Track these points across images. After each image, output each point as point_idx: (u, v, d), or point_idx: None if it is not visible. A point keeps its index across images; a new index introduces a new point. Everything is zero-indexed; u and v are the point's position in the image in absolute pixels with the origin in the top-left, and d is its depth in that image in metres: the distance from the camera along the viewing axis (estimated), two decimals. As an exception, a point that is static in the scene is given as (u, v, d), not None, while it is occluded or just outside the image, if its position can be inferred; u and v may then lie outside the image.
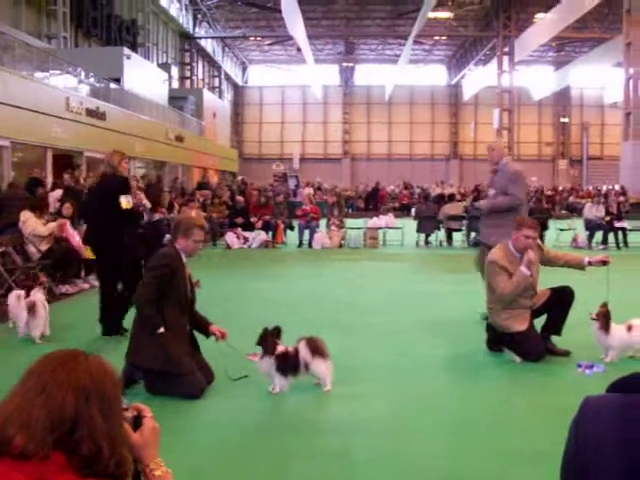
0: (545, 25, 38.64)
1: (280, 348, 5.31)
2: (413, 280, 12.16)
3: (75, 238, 9.79)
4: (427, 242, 18.14)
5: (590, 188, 39.18)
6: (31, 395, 1.48)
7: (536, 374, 6.06)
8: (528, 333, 6.33)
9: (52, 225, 9.71)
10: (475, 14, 45.72)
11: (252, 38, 50.37)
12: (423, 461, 4.09)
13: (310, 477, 3.90)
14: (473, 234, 17.91)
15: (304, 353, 5.27)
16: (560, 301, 6.52)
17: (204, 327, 5.61)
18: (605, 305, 6.33)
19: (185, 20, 45.10)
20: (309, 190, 26.32)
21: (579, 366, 6.20)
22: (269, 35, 49.33)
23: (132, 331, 5.39)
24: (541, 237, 17.81)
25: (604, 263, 6.48)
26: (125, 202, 7.33)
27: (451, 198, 18.90)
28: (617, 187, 31.63)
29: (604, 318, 6.31)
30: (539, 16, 40.60)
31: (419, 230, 17.89)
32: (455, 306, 9.17)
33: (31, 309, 6.85)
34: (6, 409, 1.48)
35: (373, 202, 31.01)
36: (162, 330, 5.17)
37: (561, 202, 32.97)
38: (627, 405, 1.29)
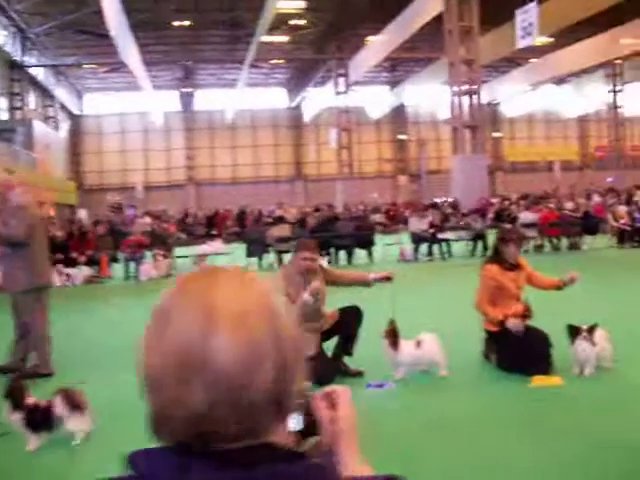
0: (376, 47, 39.88)
1: (30, 400, 4.89)
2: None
3: None
4: (260, 265, 17.95)
5: (424, 202, 40.46)
6: None
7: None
8: (317, 357, 6.20)
9: None
10: (310, 37, 46.48)
11: (86, 66, 48.76)
12: None
13: None
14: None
15: (59, 409, 4.86)
16: (349, 321, 6.44)
17: None
18: (392, 322, 6.31)
19: (13, 48, 43.05)
20: (144, 220, 25.59)
21: (368, 386, 6.13)
22: (104, 62, 47.88)
23: None
24: (369, 252, 18.26)
25: (388, 279, 6.46)
26: None
27: (280, 220, 18.88)
28: (450, 199, 32.85)
29: (392, 335, 6.28)
30: (370, 39, 41.80)
31: (249, 254, 17.69)
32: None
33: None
34: None
35: (214, 227, 30.64)
36: None
37: (397, 217, 33.90)
38: None
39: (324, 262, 6.80)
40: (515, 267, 6.58)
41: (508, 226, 21.34)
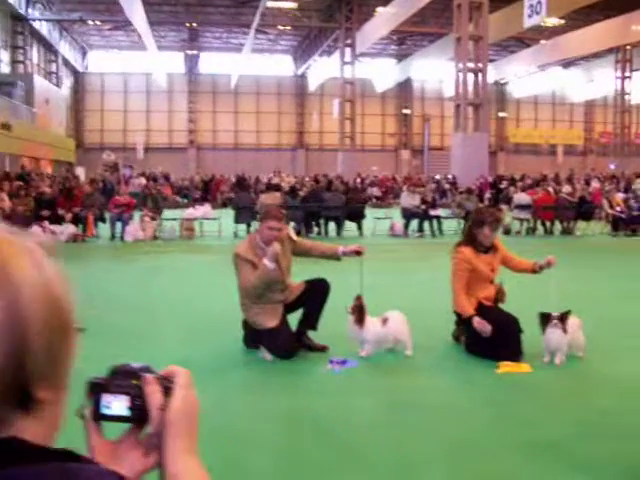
0: (384, 18, 39.27)
1: None
2: (218, 272, 11.74)
3: None
4: (248, 232, 17.76)
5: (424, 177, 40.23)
6: None
7: (283, 373, 5.77)
8: (279, 329, 6.04)
9: None
10: (318, 5, 45.85)
11: (91, 22, 48.12)
12: None
13: None
14: (292, 224, 17.71)
15: None
16: (315, 294, 6.26)
17: None
18: (359, 298, 6.13)
19: (17, 0, 42.40)
20: (139, 180, 25.36)
21: (330, 362, 5.98)
22: (109, 20, 47.26)
23: None
24: (359, 225, 18.06)
25: (357, 253, 6.27)
26: None
27: (274, 188, 18.63)
28: (450, 176, 32.67)
29: (359, 311, 6.11)
30: (379, 10, 41.18)
31: (237, 220, 17.46)
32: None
33: None
34: None
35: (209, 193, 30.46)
36: None
37: (392, 191, 33.78)
38: None
39: (292, 232, 6.56)
40: (489, 249, 6.38)
41: (504, 207, 21.19)
